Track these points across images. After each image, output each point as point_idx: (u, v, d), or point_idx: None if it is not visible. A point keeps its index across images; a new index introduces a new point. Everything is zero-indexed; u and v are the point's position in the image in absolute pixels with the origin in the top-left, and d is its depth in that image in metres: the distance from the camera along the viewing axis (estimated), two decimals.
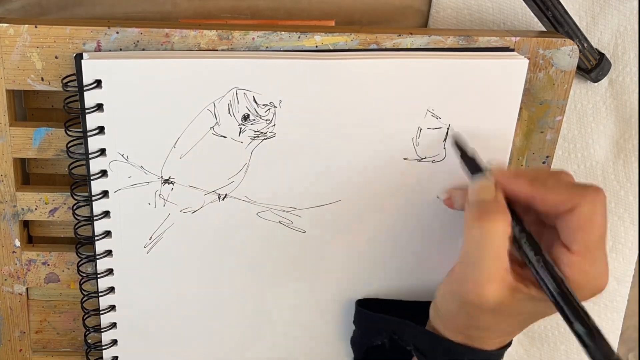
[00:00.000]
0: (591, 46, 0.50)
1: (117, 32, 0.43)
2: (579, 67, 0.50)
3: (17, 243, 0.48)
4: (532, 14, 0.49)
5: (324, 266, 0.49)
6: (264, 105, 0.43)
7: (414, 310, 0.47)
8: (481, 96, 0.44)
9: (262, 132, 0.44)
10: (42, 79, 0.43)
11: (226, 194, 0.45)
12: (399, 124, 0.45)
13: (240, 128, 0.44)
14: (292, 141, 0.44)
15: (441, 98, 0.44)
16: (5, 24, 0.42)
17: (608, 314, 0.58)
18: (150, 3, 0.47)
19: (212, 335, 0.50)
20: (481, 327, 0.41)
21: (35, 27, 0.42)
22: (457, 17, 0.50)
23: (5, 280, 0.50)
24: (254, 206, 0.46)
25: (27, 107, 0.47)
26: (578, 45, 0.47)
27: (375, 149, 0.45)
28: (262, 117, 0.43)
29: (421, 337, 0.45)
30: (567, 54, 0.46)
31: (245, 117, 0.43)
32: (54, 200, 0.47)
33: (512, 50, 0.45)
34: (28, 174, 0.49)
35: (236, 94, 0.43)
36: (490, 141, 0.46)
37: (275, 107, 0.43)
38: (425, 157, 0.46)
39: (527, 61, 0.44)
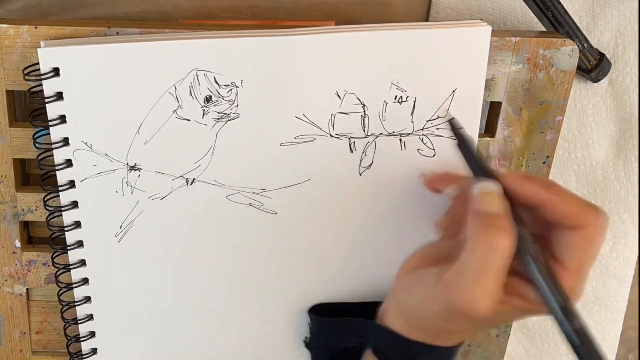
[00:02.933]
0: (591, 46, 0.50)
1: (117, 33, 0.43)
2: (579, 67, 0.50)
3: (18, 244, 0.48)
4: (532, 14, 0.49)
5: (297, 249, 0.48)
6: (225, 85, 0.43)
7: (364, 311, 0.47)
8: (446, 66, 0.44)
9: (225, 113, 0.44)
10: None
11: (194, 178, 0.45)
12: (364, 98, 0.44)
13: (204, 110, 0.44)
14: (257, 121, 0.44)
15: (405, 70, 0.44)
16: (5, 25, 0.42)
17: (608, 314, 0.58)
18: (150, 3, 0.47)
19: (187, 320, 0.50)
20: (454, 332, 0.41)
21: (35, 27, 0.42)
22: (457, 17, 0.50)
23: (6, 280, 0.50)
24: (223, 189, 0.46)
25: (27, 108, 0.47)
26: (578, 45, 0.47)
27: (341, 124, 0.45)
28: (225, 98, 0.43)
29: (382, 335, 0.44)
30: (567, 54, 0.46)
31: (208, 99, 0.43)
32: (54, 201, 0.47)
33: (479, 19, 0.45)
34: (28, 175, 0.49)
35: (196, 75, 0.42)
36: (458, 113, 0.45)
37: (237, 87, 0.43)
38: (394, 132, 0.46)
39: (490, 28, 0.44)
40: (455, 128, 0.43)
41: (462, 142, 0.42)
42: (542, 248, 0.39)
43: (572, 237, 0.38)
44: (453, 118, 0.44)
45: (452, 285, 0.38)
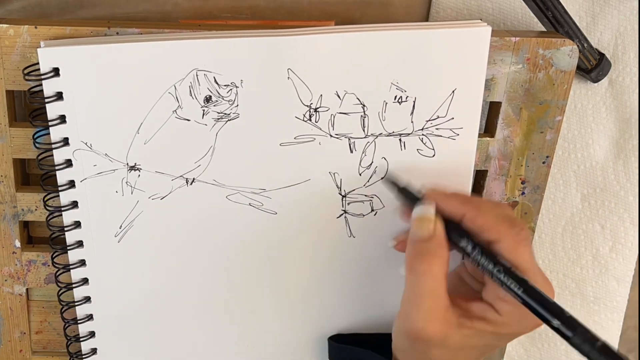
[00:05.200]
0: (591, 46, 0.50)
1: (117, 33, 0.43)
2: (579, 67, 0.50)
3: (17, 244, 0.48)
4: (532, 14, 0.49)
5: (296, 249, 0.48)
6: (225, 85, 0.43)
7: (381, 343, 0.47)
8: (446, 66, 0.44)
9: (225, 114, 0.44)
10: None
11: (194, 178, 0.45)
12: (364, 98, 0.44)
13: (203, 110, 0.44)
14: (257, 121, 0.44)
15: (405, 70, 0.44)
16: (5, 25, 0.42)
17: (608, 314, 0.58)
18: (150, 3, 0.47)
19: (187, 320, 0.50)
20: None
21: (35, 27, 0.42)
22: (457, 17, 0.50)
23: (6, 280, 0.50)
24: (223, 189, 0.46)
25: (27, 108, 0.47)
26: (578, 45, 0.47)
27: (341, 124, 0.45)
28: (225, 98, 0.43)
29: None
30: (567, 54, 0.46)
31: (208, 99, 0.43)
32: (53, 201, 0.47)
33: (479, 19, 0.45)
34: (28, 175, 0.49)
35: (196, 75, 0.43)
36: (458, 113, 0.46)
37: (236, 87, 0.43)
38: (393, 132, 0.46)
39: (490, 28, 0.44)
40: (391, 181, 0.44)
41: (394, 183, 0.44)
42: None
43: (498, 249, 0.40)
44: (390, 174, 0.46)
45: (401, 314, 0.41)
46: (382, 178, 0.46)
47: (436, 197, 0.42)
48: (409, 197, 0.43)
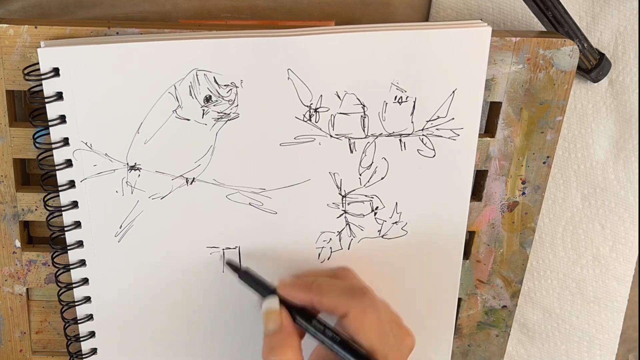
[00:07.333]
0: (591, 46, 0.50)
1: (117, 33, 0.43)
2: (579, 67, 0.50)
3: (18, 243, 0.48)
4: (532, 14, 0.49)
5: (295, 249, 0.48)
6: (225, 85, 0.43)
7: None
8: (446, 66, 0.44)
9: (225, 113, 0.44)
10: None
11: (194, 178, 0.45)
12: (364, 98, 0.44)
13: (203, 110, 0.44)
14: (257, 121, 0.44)
15: (405, 70, 0.44)
16: (5, 25, 0.42)
17: (608, 314, 0.58)
18: (150, 3, 0.47)
19: (187, 320, 0.50)
20: None
21: (35, 27, 0.42)
22: (457, 17, 0.50)
23: (6, 280, 0.50)
24: (223, 189, 0.46)
25: (27, 108, 0.47)
26: (578, 45, 0.47)
27: (341, 125, 0.45)
28: (225, 98, 0.43)
29: None
30: (567, 54, 0.46)
31: (207, 99, 0.43)
32: (53, 201, 0.47)
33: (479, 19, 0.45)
34: (28, 175, 0.49)
35: (196, 75, 0.43)
36: (458, 113, 0.46)
37: (236, 87, 0.43)
38: (394, 132, 0.46)
39: (490, 28, 0.44)
40: (232, 266, 0.46)
41: (241, 274, 0.45)
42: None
43: (345, 325, 0.42)
44: (229, 259, 0.47)
45: None
46: (233, 269, 0.46)
47: (282, 290, 0.43)
48: (258, 288, 0.44)
